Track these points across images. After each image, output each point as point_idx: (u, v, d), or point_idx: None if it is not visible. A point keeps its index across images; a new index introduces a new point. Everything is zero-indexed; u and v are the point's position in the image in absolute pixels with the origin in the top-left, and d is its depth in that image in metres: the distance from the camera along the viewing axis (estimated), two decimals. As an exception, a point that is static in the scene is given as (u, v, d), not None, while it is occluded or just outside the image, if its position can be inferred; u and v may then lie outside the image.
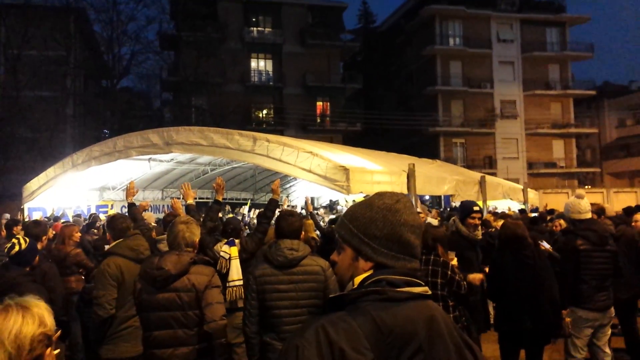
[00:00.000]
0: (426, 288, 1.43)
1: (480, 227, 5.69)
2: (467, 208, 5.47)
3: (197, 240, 3.61)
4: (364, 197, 15.00)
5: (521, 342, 4.74)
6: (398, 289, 1.37)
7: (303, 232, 3.94)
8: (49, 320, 1.79)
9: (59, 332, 1.93)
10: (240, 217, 14.64)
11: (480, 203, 13.48)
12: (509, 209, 14.37)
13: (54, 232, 8.79)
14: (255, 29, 37.04)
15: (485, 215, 9.27)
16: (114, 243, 4.70)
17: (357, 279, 1.44)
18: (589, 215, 5.30)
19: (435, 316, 1.38)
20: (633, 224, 7.30)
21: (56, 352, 1.86)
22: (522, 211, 13.01)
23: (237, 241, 5.09)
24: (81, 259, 6.47)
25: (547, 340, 4.74)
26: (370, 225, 1.45)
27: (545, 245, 6.43)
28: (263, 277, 3.58)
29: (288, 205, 17.03)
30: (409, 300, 1.37)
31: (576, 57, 41.99)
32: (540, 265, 4.75)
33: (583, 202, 5.34)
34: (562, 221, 8.39)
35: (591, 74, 74.76)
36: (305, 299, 3.55)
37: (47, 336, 1.75)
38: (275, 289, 3.55)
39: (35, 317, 1.74)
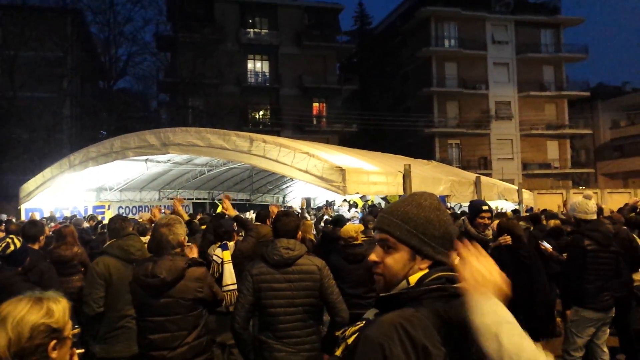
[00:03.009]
0: None
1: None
2: (476, 208, 5.34)
3: (183, 238, 3.54)
4: (360, 197, 14.98)
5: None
6: (455, 285, 1.42)
7: (300, 233, 3.98)
8: (60, 314, 1.82)
9: (77, 330, 1.95)
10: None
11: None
12: (497, 209, 14.42)
13: (51, 232, 8.85)
14: (251, 30, 37.06)
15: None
16: (107, 242, 4.77)
17: (413, 278, 1.46)
18: (595, 216, 5.36)
19: None
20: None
21: (79, 351, 1.85)
22: (515, 211, 13.08)
23: (230, 244, 5.10)
24: (84, 258, 6.53)
25: (537, 339, 4.80)
26: (428, 226, 1.49)
27: (546, 245, 6.49)
28: (259, 275, 3.61)
29: (283, 207, 17.06)
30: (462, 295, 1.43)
31: (570, 59, 42.14)
32: (535, 265, 4.80)
33: (591, 202, 5.40)
34: (555, 221, 8.48)
35: (585, 75, 75.13)
36: (300, 298, 3.58)
37: (51, 328, 1.77)
38: (270, 287, 3.58)
39: (42, 308, 1.79)
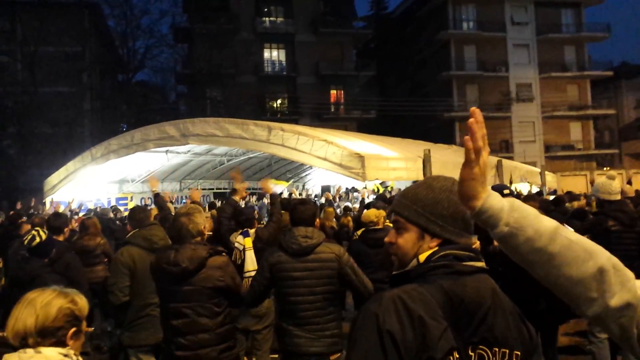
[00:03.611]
0: (484, 263, 1.51)
1: None
2: (498, 192, 5.35)
3: (202, 227, 3.56)
4: (380, 183, 14.98)
5: (535, 324, 4.75)
6: (464, 263, 1.46)
7: (321, 220, 3.98)
8: (82, 305, 2.01)
9: (90, 329, 2.06)
10: (258, 207, 14.72)
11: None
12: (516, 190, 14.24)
13: (76, 224, 9.01)
14: (267, 19, 36.97)
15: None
16: (131, 233, 4.83)
17: (423, 256, 1.50)
18: (619, 197, 5.29)
19: (496, 289, 1.49)
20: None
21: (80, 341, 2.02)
22: (539, 193, 12.92)
23: (251, 231, 5.14)
24: (107, 248, 6.63)
25: (562, 320, 4.74)
26: (436, 205, 1.53)
27: (568, 228, 6.39)
28: (278, 264, 3.63)
29: (300, 195, 17.07)
30: (474, 274, 1.45)
31: (592, 38, 41.23)
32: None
33: (614, 183, 5.33)
34: (580, 202, 8.35)
35: (608, 54, 73.39)
36: (320, 286, 3.60)
37: (74, 314, 1.96)
38: (290, 276, 3.60)
39: (68, 297, 1.99)
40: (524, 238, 1.25)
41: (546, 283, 1.28)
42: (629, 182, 13.48)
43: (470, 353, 1.38)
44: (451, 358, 1.34)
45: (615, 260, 1.26)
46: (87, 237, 6.42)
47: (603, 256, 1.24)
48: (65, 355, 1.90)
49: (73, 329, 1.95)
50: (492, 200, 1.29)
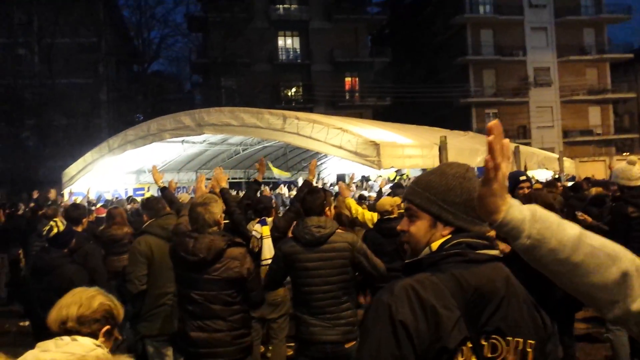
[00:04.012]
0: (498, 251, 1.50)
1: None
2: (514, 179, 5.15)
3: (219, 216, 3.58)
4: (395, 171, 14.90)
5: (551, 313, 4.71)
6: (477, 251, 1.44)
7: (336, 209, 3.98)
8: (119, 310, 2.17)
9: (120, 336, 2.22)
10: (275, 197, 14.78)
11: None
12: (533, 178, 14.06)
13: (95, 215, 9.13)
14: (281, 6, 36.82)
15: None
16: (147, 222, 4.87)
17: (435, 244, 1.49)
18: (639, 182, 5.20)
19: (510, 277, 1.47)
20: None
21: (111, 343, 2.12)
22: (558, 179, 12.77)
23: (269, 220, 5.15)
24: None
25: (579, 307, 4.70)
26: (448, 193, 1.51)
27: (585, 215, 6.32)
28: (292, 254, 3.64)
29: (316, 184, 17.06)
30: (487, 262, 1.44)
31: (612, 20, 40.44)
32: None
33: (635, 168, 5.24)
34: (598, 189, 8.24)
35: (629, 36, 71.88)
36: (334, 276, 3.61)
37: (112, 313, 2.11)
38: (304, 267, 3.61)
39: (109, 297, 2.16)
40: (547, 249, 1.23)
41: (568, 289, 1.27)
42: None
43: (484, 342, 1.37)
44: (465, 348, 1.33)
45: (638, 261, 1.24)
46: (116, 227, 6.50)
47: (627, 259, 1.23)
48: (99, 346, 1.97)
49: (107, 327, 2.07)
50: (514, 212, 1.26)
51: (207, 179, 6.25)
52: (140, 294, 4.50)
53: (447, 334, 1.31)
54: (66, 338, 1.93)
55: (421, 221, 1.53)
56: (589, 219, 6.21)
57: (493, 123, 1.28)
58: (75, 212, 5.74)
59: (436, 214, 1.51)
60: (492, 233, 4.25)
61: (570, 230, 1.25)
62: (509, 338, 1.39)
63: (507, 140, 1.28)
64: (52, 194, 10.69)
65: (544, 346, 1.45)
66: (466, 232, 1.48)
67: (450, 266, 1.40)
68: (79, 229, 5.55)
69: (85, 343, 1.93)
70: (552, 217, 1.27)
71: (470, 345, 1.34)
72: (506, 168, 1.27)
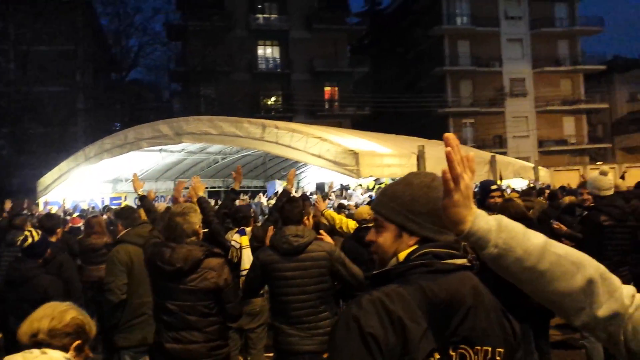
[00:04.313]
0: (466, 260, 1.50)
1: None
2: (485, 188, 5.31)
3: (198, 226, 3.55)
4: (374, 180, 14.98)
5: (527, 319, 4.77)
6: (444, 261, 1.44)
7: (314, 217, 3.98)
8: (92, 326, 2.16)
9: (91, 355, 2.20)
10: (255, 205, 14.72)
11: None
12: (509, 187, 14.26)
13: (70, 225, 8.99)
14: (261, 15, 36.87)
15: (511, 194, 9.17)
16: (124, 231, 4.82)
17: (402, 254, 1.48)
18: (611, 192, 5.34)
19: (477, 286, 1.47)
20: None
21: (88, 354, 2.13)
22: (532, 188, 12.97)
23: (248, 230, 5.13)
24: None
25: (553, 313, 4.76)
26: (414, 203, 1.51)
27: (559, 224, 6.41)
28: (269, 263, 3.63)
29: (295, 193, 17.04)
30: (454, 272, 1.44)
31: (586, 32, 41.32)
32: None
33: (605, 178, 5.39)
34: (570, 197, 8.40)
35: (601, 48, 73.61)
36: (312, 285, 3.60)
37: (84, 328, 2.10)
38: (282, 276, 3.60)
39: (82, 312, 2.16)
40: (514, 258, 1.25)
41: (536, 298, 1.29)
42: (622, 177, 13.53)
43: (452, 353, 1.37)
44: (432, 359, 1.33)
45: (602, 269, 1.26)
46: (95, 236, 6.41)
47: (591, 267, 1.26)
48: (68, 359, 1.96)
49: (79, 341, 2.06)
50: (480, 222, 1.27)
51: (186, 188, 6.19)
52: (120, 304, 4.43)
53: (415, 346, 1.31)
54: (35, 351, 1.90)
55: (387, 232, 1.53)
56: (564, 228, 6.31)
57: (449, 135, 1.29)
58: (49, 222, 5.67)
59: (401, 224, 1.51)
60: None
61: (535, 239, 1.27)
62: (478, 347, 1.39)
63: (471, 153, 1.30)
64: (26, 204, 10.52)
65: (514, 354, 1.46)
66: (433, 241, 1.48)
67: (417, 277, 1.40)
68: (53, 239, 5.47)
69: (55, 356, 1.91)
70: (517, 227, 1.29)
71: (439, 356, 1.34)
72: (469, 179, 1.28)
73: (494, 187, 5.26)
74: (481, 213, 1.30)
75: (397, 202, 1.53)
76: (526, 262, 1.24)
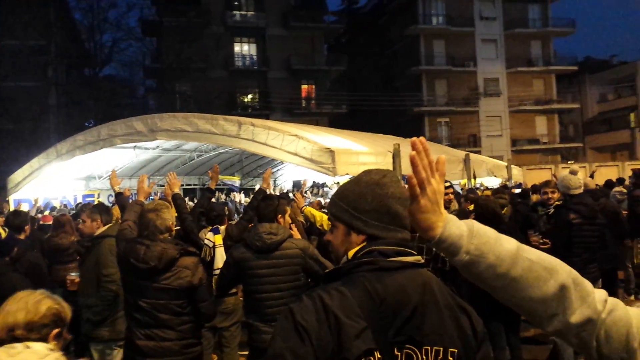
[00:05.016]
0: (419, 257, 1.47)
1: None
2: None
3: (171, 223, 3.53)
4: (350, 178, 15.11)
5: (497, 314, 4.82)
6: (389, 259, 1.42)
7: (288, 217, 3.98)
8: (67, 311, 2.15)
9: (70, 337, 2.20)
10: (231, 203, 14.63)
11: (464, 181, 13.65)
12: (482, 185, 14.45)
13: (41, 223, 8.81)
14: (238, 12, 36.62)
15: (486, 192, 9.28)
16: (105, 227, 4.74)
17: (351, 252, 1.48)
18: (580, 190, 5.47)
19: (428, 283, 1.43)
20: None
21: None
22: (505, 187, 13.17)
23: (221, 228, 5.10)
24: (78, 247, 6.51)
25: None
26: (359, 200, 1.50)
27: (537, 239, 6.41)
28: (243, 261, 3.61)
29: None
30: (401, 269, 1.41)
31: (558, 33, 42.06)
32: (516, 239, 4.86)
33: (575, 177, 5.53)
34: (538, 196, 8.56)
35: (573, 49, 75.04)
36: (286, 282, 3.60)
37: (60, 316, 2.08)
38: (255, 273, 3.59)
39: (56, 300, 2.14)
40: (486, 265, 1.22)
41: (509, 304, 1.27)
42: (591, 176, 13.83)
43: (397, 353, 1.35)
44: (372, 358, 1.32)
45: (574, 273, 1.25)
46: (63, 235, 6.26)
47: (563, 272, 1.23)
48: (52, 350, 1.97)
49: (57, 330, 2.05)
50: (451, 228, 1.24)
51: (161, 185, 6.14)
52: (117, 297, 4.36)
53: (349, 343, 1.30)
54: (18, 346, 1.90)
55: (338, 230, 1.54)
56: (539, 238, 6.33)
57: (416, 139, 1.27)
58: (16, 220, 5.54)
59: (348, 222, 1.51)
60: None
61: (507, 244, 1.25)
62: (427, 347, 1.36)
63: (443, 156, 1.27)
64: None
65: (473, 352, 1.41)
66: (380, 239, 1.47)
67: (362, 275, 1.39)
68: (22, 236, 5.37)
69: (38, 349, 1.92)
70: (489, 232, 1.26)
71: (380, 356, 1.32)
72: (436, 184, 1.26)
73: (446, 184, 5.36)
74: (452, 218, 1.27)
75: (345, 201, 1.53)
76: (499, 268, 1.22)
